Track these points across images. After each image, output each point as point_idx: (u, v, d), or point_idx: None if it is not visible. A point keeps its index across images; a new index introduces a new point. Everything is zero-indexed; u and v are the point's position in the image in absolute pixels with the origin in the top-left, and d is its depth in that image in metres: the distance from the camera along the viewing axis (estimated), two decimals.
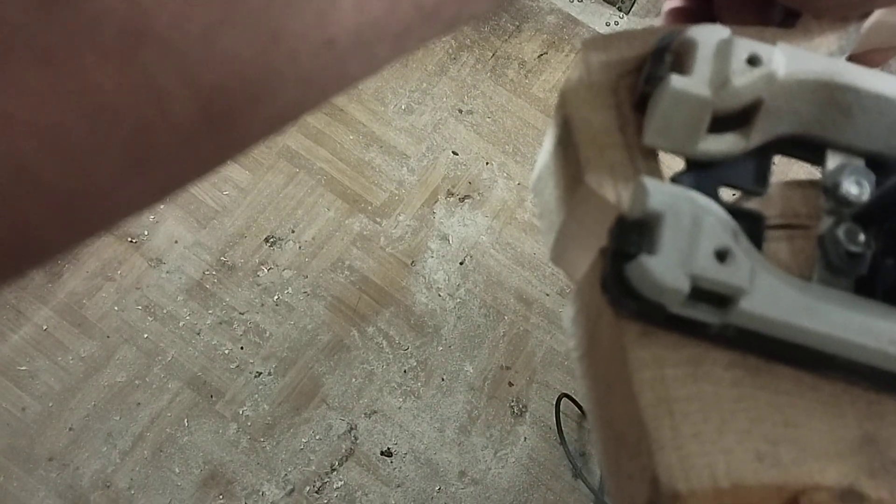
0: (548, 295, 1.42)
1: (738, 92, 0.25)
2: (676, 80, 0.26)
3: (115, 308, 1.33)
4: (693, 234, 0.23)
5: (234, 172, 1.45)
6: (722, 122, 0.27)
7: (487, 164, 1.53)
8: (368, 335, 1.36)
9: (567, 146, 0.29)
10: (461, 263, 1.43)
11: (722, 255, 0.23)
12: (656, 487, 0.23)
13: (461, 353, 1.36)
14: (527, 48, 1.65)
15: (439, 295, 1.40)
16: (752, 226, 0.27)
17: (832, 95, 0.27)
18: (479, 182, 1.51)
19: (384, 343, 1.35)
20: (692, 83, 0.26)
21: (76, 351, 1.29)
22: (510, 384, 1.35)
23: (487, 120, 1.57)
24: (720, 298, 0.24)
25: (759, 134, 0.27)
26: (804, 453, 0.24)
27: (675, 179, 0.28)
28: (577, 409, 1.31)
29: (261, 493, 1.23)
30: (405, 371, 1.34)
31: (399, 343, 1.35)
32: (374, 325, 1.36)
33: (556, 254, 0.31)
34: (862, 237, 0.26)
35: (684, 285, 0.23)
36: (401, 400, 1.32)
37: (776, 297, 0.24)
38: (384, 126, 1.54)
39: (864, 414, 0.25)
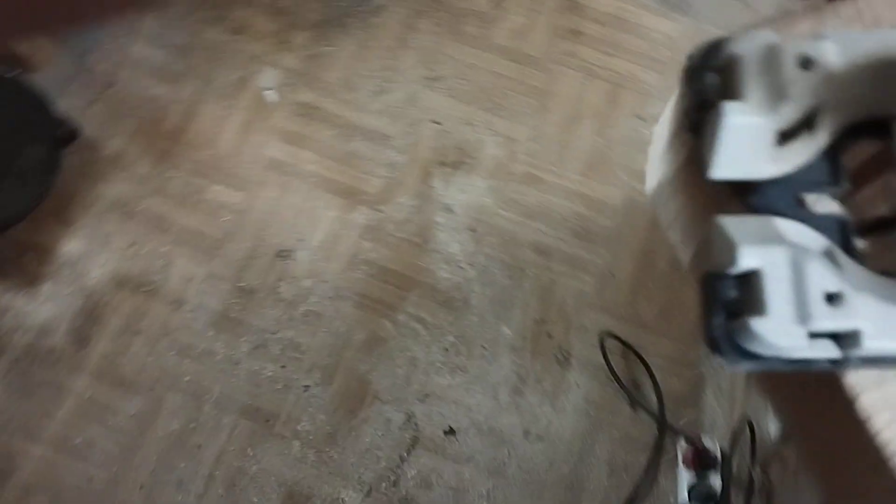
0: (563, 240, 1.43)
1: (798, 103, 0.24)
2: (731, 111, 0.24)
3: (150, 358, 1.32)
4: (798, 283, 0.22)
5: (226, 197, 1.43)
6: (786, 132, 0.25)
7: (470, 125, 1.52)
8: (401, 323, 1.36)
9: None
10: (472, 231, 1.43)
11: (832, 297, 0.22)
12: None
13: (495, 318, 1.37)
14: None
15: (459, 266, 1.40)
16: (840, 234, 0.26)
17: (892, 69, 0.25)
18: (468, 145, 1.50)
19: (418, 327, 1.36)
20: (749, 109, 0.24)
21: (124, 410, 1.29)
22: (549, 336, 1.36)
23: (459, 81, 1.56)
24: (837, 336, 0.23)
25: (825, 132, 0.26)
26: None
27: (754, 206, 0.26)
28: (620, 344, 1.34)
29: (341, 501, 1.25)
30: (446, 349, 1.35)
31: (433, 323, 1.36)
32: (405, 312, 1.37)
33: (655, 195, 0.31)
34: None
35: (803, 342, 0.22)
36: (449, 378, 1.33)
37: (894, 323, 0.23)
38: (360, 112, 1.52)
39: None
